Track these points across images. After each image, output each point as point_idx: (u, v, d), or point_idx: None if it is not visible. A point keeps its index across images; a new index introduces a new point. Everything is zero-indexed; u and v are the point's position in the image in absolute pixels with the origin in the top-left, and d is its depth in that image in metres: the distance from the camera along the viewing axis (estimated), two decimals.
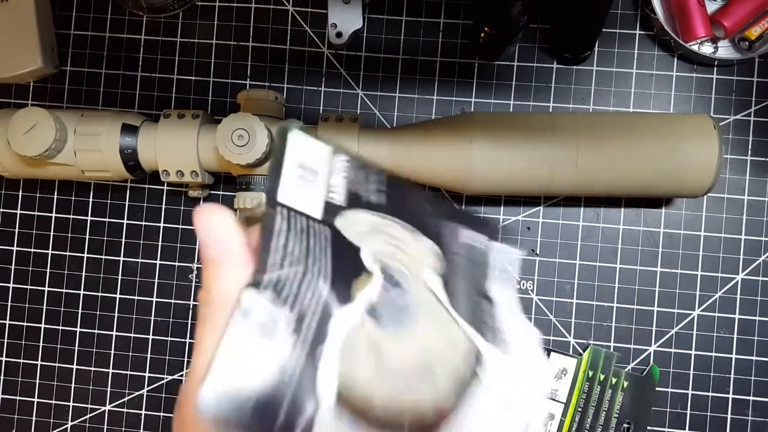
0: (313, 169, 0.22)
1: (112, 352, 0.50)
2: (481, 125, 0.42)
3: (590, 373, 0.47)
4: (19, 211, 0.51)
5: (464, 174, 0.42)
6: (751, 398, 0.47)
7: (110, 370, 0.50)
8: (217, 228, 0.21)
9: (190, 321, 0.50)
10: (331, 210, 0.22)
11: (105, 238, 0.50)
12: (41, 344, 0.51)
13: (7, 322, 0.51)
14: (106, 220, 0.51)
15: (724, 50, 0.48)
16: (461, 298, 0.22)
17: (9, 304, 0.51)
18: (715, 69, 0.48)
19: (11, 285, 0.51)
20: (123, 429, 0.50)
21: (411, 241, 0.23)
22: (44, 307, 0.51)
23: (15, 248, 0.51)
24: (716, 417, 0.47)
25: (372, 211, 0.23)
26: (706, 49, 0.47)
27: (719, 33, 0.47)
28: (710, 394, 0.48)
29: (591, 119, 0.43)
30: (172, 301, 0.50)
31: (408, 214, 0.23)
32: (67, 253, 0.51)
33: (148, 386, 0.50)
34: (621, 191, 0.43)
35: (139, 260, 0.50)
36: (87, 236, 0.51)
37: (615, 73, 0.49)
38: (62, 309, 0.51)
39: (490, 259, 0.24)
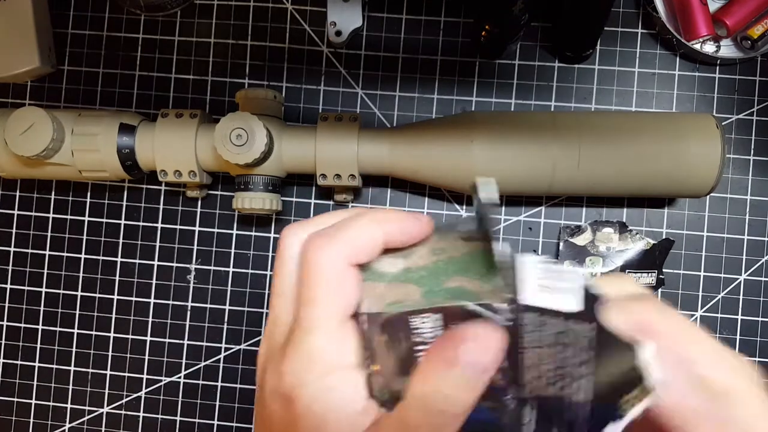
0: (553, 262, 0.19)
1: (110, 353, 0.50)
2: (482, 125, 0.42)
3: None
4: (16, 212, 0.51)
5: (465, 174, 0.42)
6: None
7: (108, 372, 0.50)
8: (327, 266, 0.19)
9: (188, 322, 0.50)
10: (591, 299, 0.18)
11: (102, 239, 0.50)
12: (39, 345, 0.50)
13: (5, 323, 0.51)
14: (104, 220, 0.50)
15: (727, 49, 0.47)
16: None
17: (6, 305, 0.51)
18: (718, 68, 0.48)
19: (8, 286, 0.51)
20: (121, 431, 0.50)
21: None
22: (41, 308, 0.50)
23: (12, 249, 0.51)
24: None
25: None
26: (709, 48, 0.47)
27: (721, 32, 0.47)
28: None
29: (593, 118, 0.42)
30: (170, 302, 0.50)
31: None
32: (65, 254, 0.50)
33: (146, 388, 0.50)
34: (623, 191, 0.43)
35: (137, 261, 0.50)
36: (84, 237, 0.50)
37: (617, 72, 0.48)
38: (59, 310, 0.50)
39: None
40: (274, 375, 0.19)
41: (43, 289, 0.50)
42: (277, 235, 0.49)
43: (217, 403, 0.49)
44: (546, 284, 0.18)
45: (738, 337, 0.47)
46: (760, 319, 0.47)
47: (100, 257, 0.50)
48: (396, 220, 0.21)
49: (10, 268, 0.51)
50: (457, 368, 0.17)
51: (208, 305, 0.50)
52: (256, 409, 0.21)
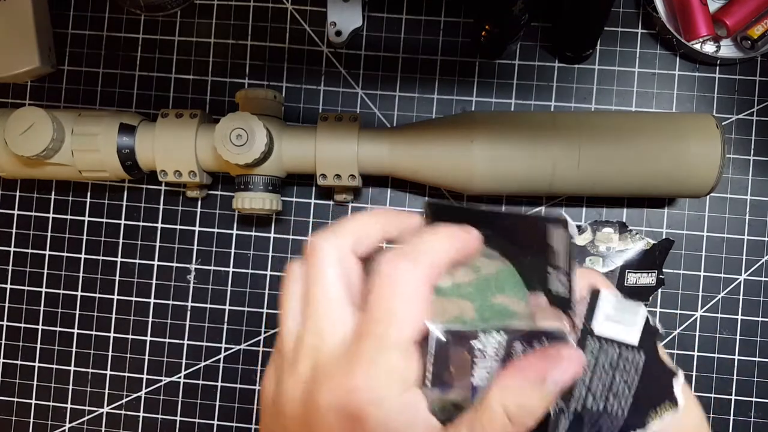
0: (626, 299, 0.22)
1: (110, 353, 0.50)
2: (482, 125, 0.42)
3: None
4: (16, 212, 0.51)
5: (465, 174, 0.42)
6: (754, 399, 0.47)
7: (108, 372, 0.50)
8: (410, 286, 0.20)
9: (188, 322, 0.50)
10: (651, 332, 0.21)
11: (102, 239, 0.50)
12: (39, 345, 0.50)
13: (5, 323, 0.51)
14: (104, 220, 0.50)
15: (727, 49, 0.47)
16: None
17: (6, 305, 0.51)
18: (718, 68, 0.48)
19: (8, 286, 0.51)
20: (121, 431, 0.49)
21: None
22: (41, 308, 0.50)
23: (12, 249, 0.51)
24: (719, 419, 0.47)
25: None
26: (709, 48, 0.47)
27: (721, 32, 0.47)
28: (713, 395, 0.47)
29: (593, 118, 0.42)
30: (170, 302, 0.50)
31: None
32: (65, 254, 0.50)
33: (146, 388, 0.50)
34: (623, 191, 0.43)
35: (137, 261, 0.50)
36: (84, 237, 0.50)
37: (617, 72, 0.48)
38: (59, 310, 0.50)
39: None
40: (336, 391, 0.19)
41: (43, 289, 0.50)
42: (277, 235, 0.49)
43: (217, 403, 0.49)
44: (614, 317, 0.21)
45: (738, 337, 0.47)
46: (760, 319, 0.47)
47: (100, 257, 0.50)
48: (463, 239, 0.21)
49: (10, 268, 0.51)
50: (544, 385, 0.19)
51: (208, 305, 0.50)
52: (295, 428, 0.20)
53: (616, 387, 0.21)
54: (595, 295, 0.22)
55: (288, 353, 0.21)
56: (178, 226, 0.50)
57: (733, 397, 0.47)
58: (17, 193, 0.51)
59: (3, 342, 0.51)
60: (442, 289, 0.21)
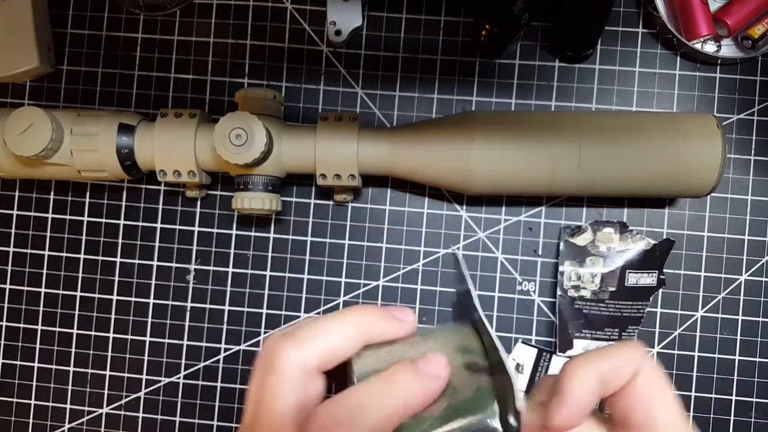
0: None
1: (109, 354, 0.50)
2: (483, 124, 0.41)
3: None
4: (15, 212, 0.51)
5: (465, 174, 0.41)
6: (755, 400, 0.47)
7: (107, 372, 0.50)
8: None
9: (187, 323, 0.49)
10: None
11: (102, 239, 0.50)
12: (38, 346, 0.50)
13: (4, 323, 0.50)
14: (103, 220, 0.50)
15: (727, 49, 0.47)
16: None
17: (5, 305, 0.50)
18: (718, 68, 0.48)
19: (7, 286, 0.50)
20: None
21: None
22: (41, 308, 0.50)
23: (11, 249, 0.51)
24: (719, 419, 0.47)
25: None
26: (709, 48, 0.47)
27: (722, 31, 0.47)
28: (713, 396, 0.47)
29: (593, 118, 0.42)
30: (170, 302, 0.50)
31: None
32: (64, 254, 0.50)
33: (145, 389, 0.49)
34: (624, 191, 0.43)
35: (136, 261, 0.50)
36: (83, 237, 0.50)
37: (617, 71, 0.48)
38: (59, 310, 0.50)
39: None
40: None
41: (42, 290, 0.50)
42: (276, 236, 0.49)
43: (217, 403, 0.49)
44: None
45: (738, 337, 0.47)
46: (760, 319, 0.47)
47: (99, 257, 0.50)
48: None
49: (9, 268, 0.51)
50: None
51: (208, 305, 0.49)
52: None
53: None
54: None
55: None
56: (177, 227, 0.50)
57: (734, 398, 0.47)
58: (16, 193, 0.51)
59: (2, 342, 0.50)
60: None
